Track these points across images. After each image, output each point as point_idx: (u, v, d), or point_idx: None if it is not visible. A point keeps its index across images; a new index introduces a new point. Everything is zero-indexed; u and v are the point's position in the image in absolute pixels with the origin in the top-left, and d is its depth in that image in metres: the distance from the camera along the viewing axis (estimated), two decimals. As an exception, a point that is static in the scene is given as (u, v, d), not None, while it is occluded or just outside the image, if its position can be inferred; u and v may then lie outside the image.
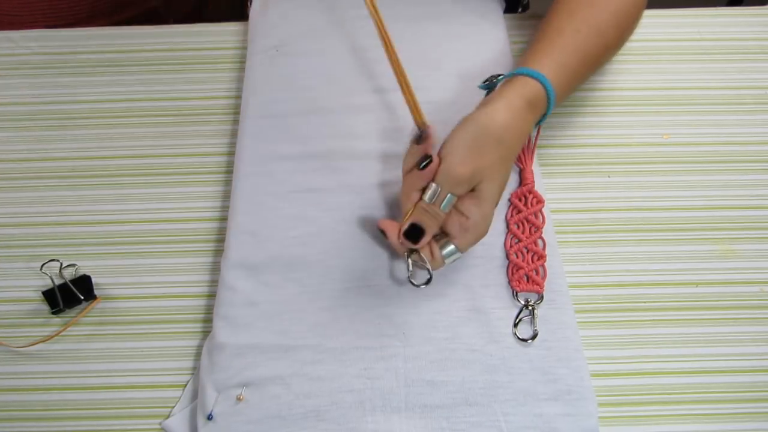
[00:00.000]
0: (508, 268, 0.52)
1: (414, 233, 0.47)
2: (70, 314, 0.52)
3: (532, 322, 0.49)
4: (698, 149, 0.60)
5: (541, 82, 0.49)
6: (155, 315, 0.52)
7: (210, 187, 0.58)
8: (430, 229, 0.47)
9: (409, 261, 0.49)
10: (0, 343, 0.51)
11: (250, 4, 0.69)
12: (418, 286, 0.49)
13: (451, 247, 0.47)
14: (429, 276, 0.48)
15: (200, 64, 0.66)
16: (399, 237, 0.47)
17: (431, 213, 0.46)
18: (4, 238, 0.56)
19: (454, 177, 0.45)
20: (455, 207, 0.47)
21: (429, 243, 0.48)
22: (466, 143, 0.46)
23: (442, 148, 0.47)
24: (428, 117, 0.58)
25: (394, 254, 0.52)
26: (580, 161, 0.59)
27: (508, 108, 0.48)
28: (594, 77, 0.64)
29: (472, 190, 0.46)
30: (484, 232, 0.48)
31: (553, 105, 0.51)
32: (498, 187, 0.47)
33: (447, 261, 0.48)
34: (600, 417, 0.47)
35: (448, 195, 0.46)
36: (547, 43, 0.52)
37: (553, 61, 0.51)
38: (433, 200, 0.46)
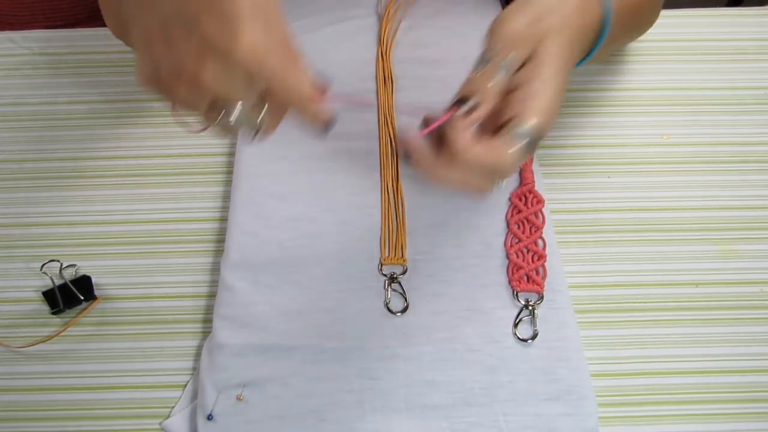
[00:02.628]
0: (508, 268, 0.52)
1: (465, 103, 0.39)
2: (70, 314, 0.52)
3: (532, 322, 0.49)
4: (698, 149, 0.60)
5: None
6: (155, 315, 0.52)
7: (210, 187, 0.58)
8: (486, 102, 0.38)
9: (388, 291, 0.48)
10: (0, 343, 0.51)
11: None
12: (394, 313, 0.49)
13: (523, 126, 0.37)
14: (406, 303, 0.48)
15: (200, 64, 0.66)
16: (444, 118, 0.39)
17: (490, 78, 0.38)
18: (4, 238, 0.56)
19: (510, 36, 0.38)
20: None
21: (490, 138, 0.38)
22: (522, 6, 0.40)
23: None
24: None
25: (394, 254, 0.52)
26: (580, 161, 0.59)
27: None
28: (597, 77, 0.64)
29: (528, 61, 0.39)
30: (554, 97, 0.39)
31: (607, 30, 0.44)
32: (562, 60, 0.40)
33: (526, 147, 0.38)
34: (600, 417, 0.47)
35: (504, 60, 0.38)
36: None
37: None
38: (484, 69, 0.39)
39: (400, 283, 0.51)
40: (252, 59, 0.32)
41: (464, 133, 0.38)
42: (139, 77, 0.35)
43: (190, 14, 0.32)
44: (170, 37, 0.33)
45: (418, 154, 0.39)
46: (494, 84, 0.39)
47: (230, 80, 0.33)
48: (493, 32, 0.40)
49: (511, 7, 0.41)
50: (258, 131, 0.37)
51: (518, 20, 0.40)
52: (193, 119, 0.37)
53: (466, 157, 0.38)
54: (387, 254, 0.52)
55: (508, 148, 0.38)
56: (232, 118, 0.35)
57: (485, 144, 0.38)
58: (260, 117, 0.36)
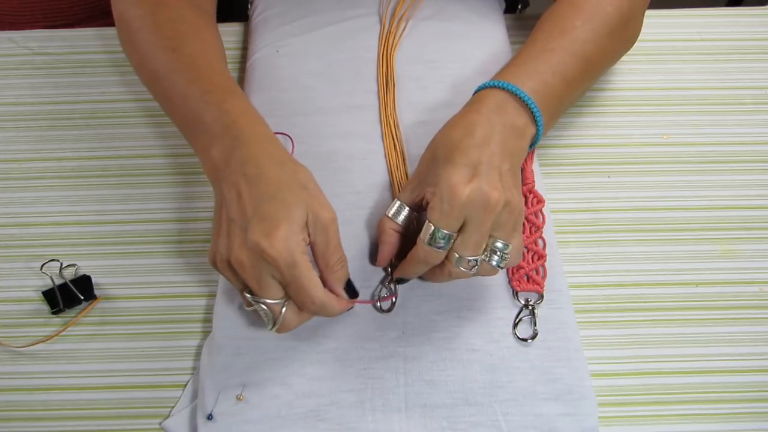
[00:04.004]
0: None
1: (402, 281, 0.50)
2: (70, 314, 0.52)
3: (532, 321, 0.49)
4: (698, 149, 0.60)
5: (511, 90, 0.46)
6: (155, 315, 0.52)
7: (210, 187, 0.58)
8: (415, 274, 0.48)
9: (381, 287, 0.50)
10: (0, 343, 0.51)
11: (251, 4, 0.69)
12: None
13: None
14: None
15: (200, 64, 0.66)
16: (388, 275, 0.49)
17: (424, 257, 0.44)
18: (4, 238, 0.56)
19: (458, 208, 0.42)
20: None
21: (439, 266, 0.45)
22: (457, 171, 0.43)
23: (429, 173, 0.46)
24: (427, 117, 0.58)
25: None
26: (580, 161, 0.60)
27: (465, 113, 0.47)
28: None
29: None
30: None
31: (540, 116, 0.47)
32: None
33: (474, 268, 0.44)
34: (600, 417, 0.47)
35: (449, 235, 0.43)
36: (522, 59, 0.50)
37: (529, 77, 0.48)
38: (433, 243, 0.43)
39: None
40: (279, 258, 0.40)
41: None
42: (208, 256, 0.45)
43: (245, 218, 0.42)
44: (230, 232, 0.43)
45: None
46: (436, 260, 0.44)
47: (259, 273, 0.41)
48: (433, 208, 0.43)
49: (454, 171, 0.43)
50: (275, 324, 0.44)
51: (470, 185, 0.42)
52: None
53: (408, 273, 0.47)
54: None
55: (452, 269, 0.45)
56: (255, 307, 0.43)
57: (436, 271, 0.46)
58: (281, 311, 0.43)
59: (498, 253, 0.44)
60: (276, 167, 0.44)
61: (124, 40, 0.55)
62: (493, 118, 0.45)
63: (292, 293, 0.42)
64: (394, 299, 0.49)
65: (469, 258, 0.43)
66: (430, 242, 0.43)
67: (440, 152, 0.45)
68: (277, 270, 0.41)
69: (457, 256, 0.43)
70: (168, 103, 0.51)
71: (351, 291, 0.46)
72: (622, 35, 0.54)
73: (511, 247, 0.44)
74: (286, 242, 0.40)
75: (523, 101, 0.46)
